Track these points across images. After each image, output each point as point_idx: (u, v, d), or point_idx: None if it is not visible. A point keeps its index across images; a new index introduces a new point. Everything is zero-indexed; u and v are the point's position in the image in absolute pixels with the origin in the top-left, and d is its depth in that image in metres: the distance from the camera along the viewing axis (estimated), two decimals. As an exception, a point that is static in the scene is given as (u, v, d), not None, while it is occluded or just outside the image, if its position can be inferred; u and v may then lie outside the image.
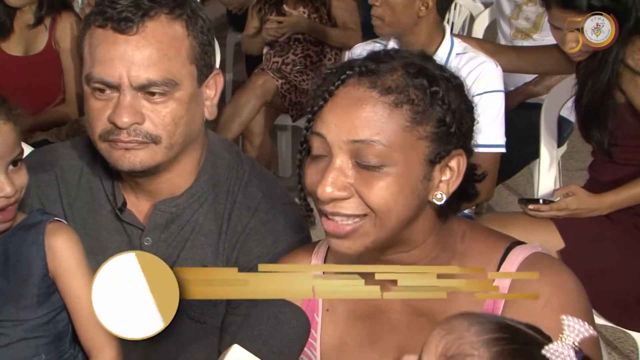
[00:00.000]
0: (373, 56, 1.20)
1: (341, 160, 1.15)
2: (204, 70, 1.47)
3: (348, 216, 1.16)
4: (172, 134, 1.43)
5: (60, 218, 1.51)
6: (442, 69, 1.21)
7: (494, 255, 1.23)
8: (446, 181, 1.19)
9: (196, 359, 1.55)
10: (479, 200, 2.63)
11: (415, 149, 1.15)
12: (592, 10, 2.20)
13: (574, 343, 0.88)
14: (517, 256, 1.22)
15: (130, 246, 1.52)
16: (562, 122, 2.88)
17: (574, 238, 2.27)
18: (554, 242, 2.24)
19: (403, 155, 1.14)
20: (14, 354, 1.43)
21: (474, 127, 1.24)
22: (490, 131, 2.35)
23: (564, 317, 0.90)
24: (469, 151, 1.22)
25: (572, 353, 0.87)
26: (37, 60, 3.16)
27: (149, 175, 1.48)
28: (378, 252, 1.21)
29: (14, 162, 1.41)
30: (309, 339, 1.32)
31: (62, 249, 1.45)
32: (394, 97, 1.15)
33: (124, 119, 1.39)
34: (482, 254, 1.24)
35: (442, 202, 1.19)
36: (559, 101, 2.72)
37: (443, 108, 1.17)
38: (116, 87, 1.40)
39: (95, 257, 1.47)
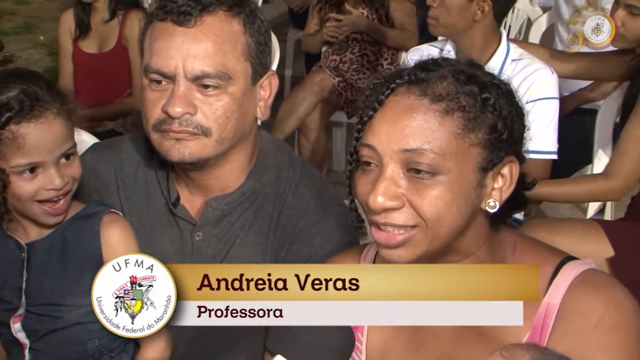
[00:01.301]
0: (422, 65, 1.20)
1: (392, 170, 1.14)
2: (258, 69, 1.49)
3: (399, 227, 1.15)
4: (223, 127, 1.45)
5: (117, 210, 1.54)
6: (492, 76, 1.20)
7: (546, 269, 1.20)
8: (499, 188, 1.18)
9: (241, 356, 1.56)
10: (530, 206, 2.61)
11: (467, 156, 1.14)
12: None
13: None
14: (570, 272, 1.19)
15: (181, 240, 1.55)
16: (618, 129, 2.83)
17: (624, 246, 2.21)
18: (603, 249, 2.19)
19: (455, 163, 1.13)
20: (70, 337, 1.46)
21: (525, 134, 1.22)
22: (542, 138, 2.33)
23: None
24: (520, 158, 1.21)
25: None
26: (109, 56, 3.31)
27: (199, 169, 1.50)
28: (429, 262, 1.19)
29: (67, 156, 1.44)
30: (355, 342, 1.32)
31: (117, 239, 1.47)
32: (445, 105, 1.14)
33: (177, 109, 1.41)
34: None
35: (495, 209, 1.18)
36: (616, 108, 2.68)
37: (494, 114, 1.16)
38: (171, 78, 1.43)
39: (148, 249, 1.48)
